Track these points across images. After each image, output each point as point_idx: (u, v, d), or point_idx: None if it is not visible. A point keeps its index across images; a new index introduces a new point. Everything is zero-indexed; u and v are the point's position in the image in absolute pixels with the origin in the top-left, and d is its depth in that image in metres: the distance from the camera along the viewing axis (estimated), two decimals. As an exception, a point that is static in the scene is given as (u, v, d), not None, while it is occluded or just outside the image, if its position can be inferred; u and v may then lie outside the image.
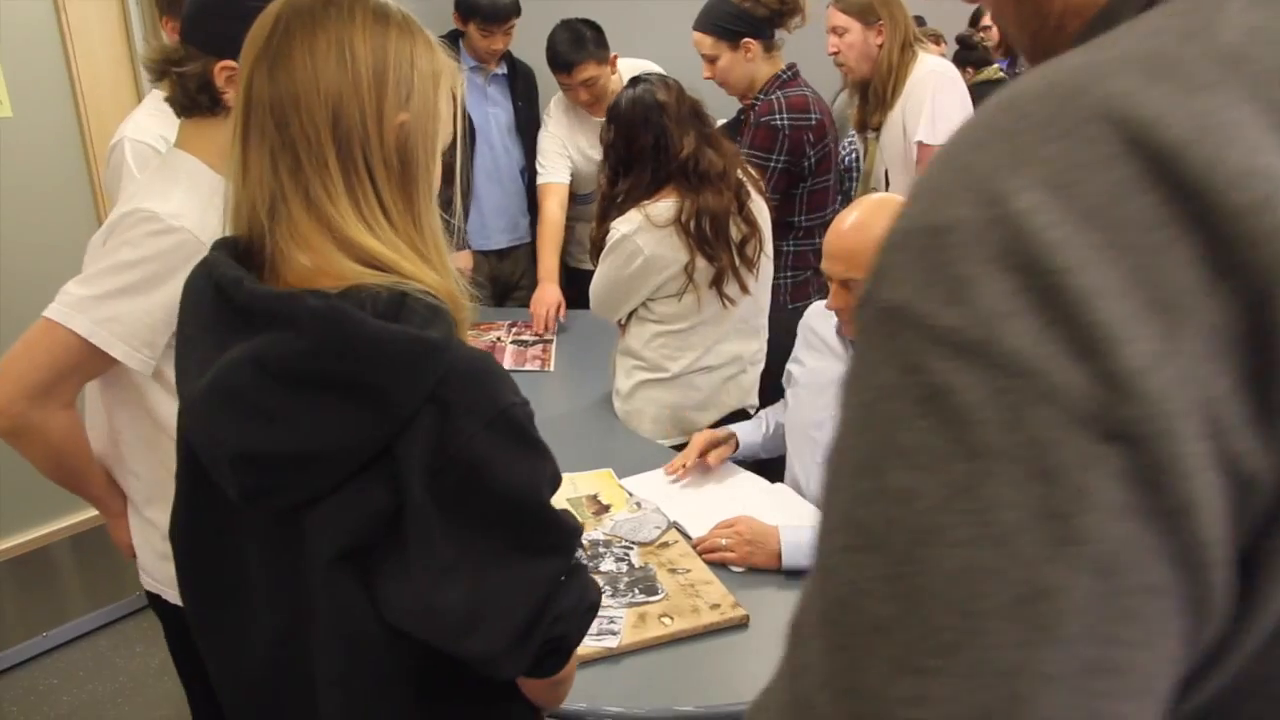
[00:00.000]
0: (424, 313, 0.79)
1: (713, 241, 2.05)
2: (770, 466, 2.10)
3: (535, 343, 2.73)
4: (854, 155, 3.53)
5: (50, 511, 2.52)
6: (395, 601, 0.82)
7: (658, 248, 2.05)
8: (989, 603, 0.33)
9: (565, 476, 1.92)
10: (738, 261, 2.11)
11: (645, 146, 2.06)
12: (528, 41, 3.10)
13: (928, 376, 0.35)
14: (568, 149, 3.08)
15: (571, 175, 3.10)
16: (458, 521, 0.81)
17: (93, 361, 1.20)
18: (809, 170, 2.55)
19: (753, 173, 2.23)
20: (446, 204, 3.28)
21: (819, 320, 1.97)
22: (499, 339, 2.76)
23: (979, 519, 0.34)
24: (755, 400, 2.29)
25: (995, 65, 4.18)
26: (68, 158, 2.34)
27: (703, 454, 1.96)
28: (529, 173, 3.19)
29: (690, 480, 1.95)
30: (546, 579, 0.87)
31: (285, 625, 0.87)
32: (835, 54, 2.73)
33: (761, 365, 2.31)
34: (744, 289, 2.14)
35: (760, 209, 2.18)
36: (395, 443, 0.78)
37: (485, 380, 0.83)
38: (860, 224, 1.70)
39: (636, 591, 1.54)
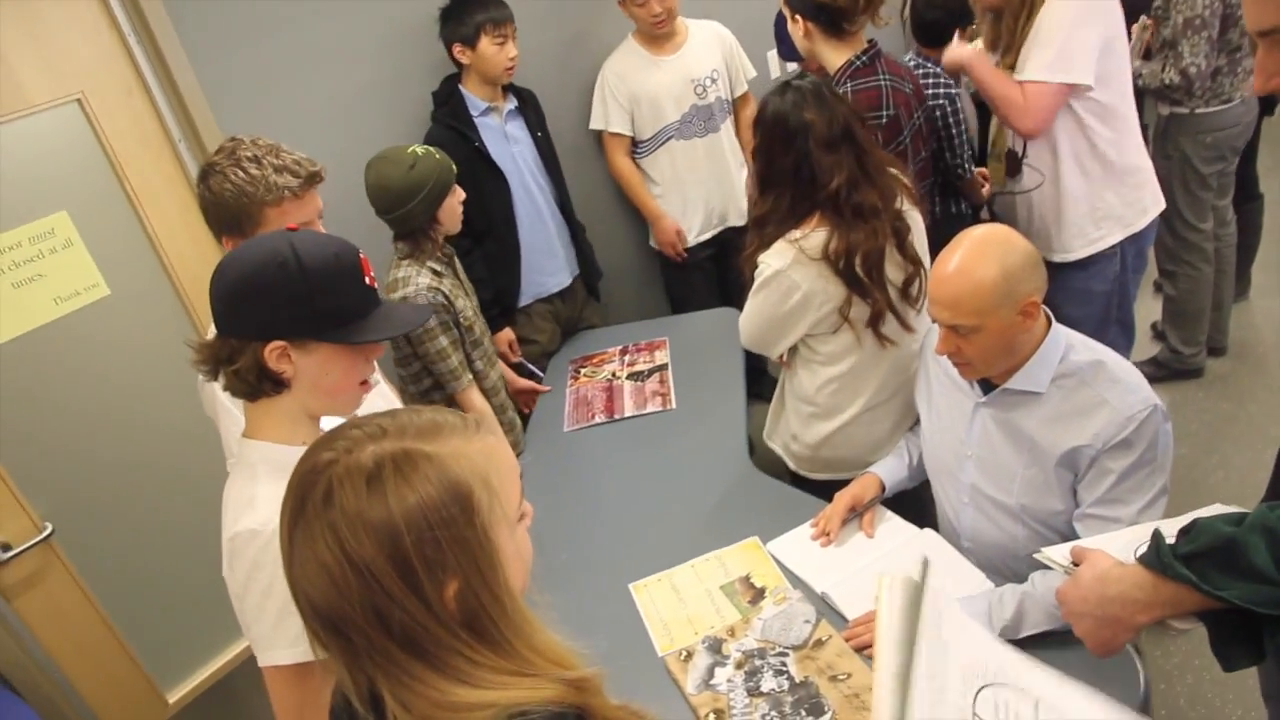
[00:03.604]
0: None
1: (865, 282, 1.90)
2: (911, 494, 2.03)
3: (651, 372, 2.69)
4: (954, 118, 3.17)
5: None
6: None
7: (815, 282, 1.91)
8: None
9: (713, 555, 1.94)
10: (898, 301, 1.96)
11: (785, 170, 1.88)
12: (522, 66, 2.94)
13: None
14: (620, 99, 3.14)
15: (631, 122, 3.19)
16: None
17: (317, 671, 1.25)
18: None
19: (906, 182, 2.00)
20: (496, 258, 2.89)
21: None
22: (614, 375, 2.74)
23: None
24: None
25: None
26: (171, 322, 2.39)
27: (850, 511, 1.92)
28: (561, 202, 3.06)
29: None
30: None
31: None
32: None
33: None
34: (907, 328, 2.00)
35: (916, 224, 2.01)
36: None
37: None
38: (963, 269, 1.57)
39: (803, 714, 1.54)
